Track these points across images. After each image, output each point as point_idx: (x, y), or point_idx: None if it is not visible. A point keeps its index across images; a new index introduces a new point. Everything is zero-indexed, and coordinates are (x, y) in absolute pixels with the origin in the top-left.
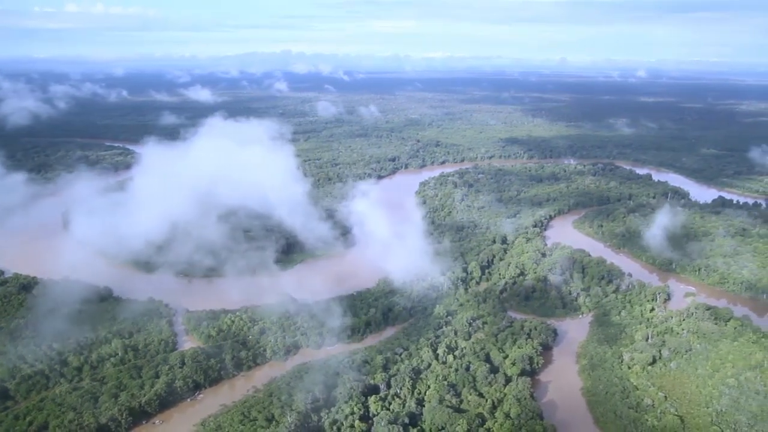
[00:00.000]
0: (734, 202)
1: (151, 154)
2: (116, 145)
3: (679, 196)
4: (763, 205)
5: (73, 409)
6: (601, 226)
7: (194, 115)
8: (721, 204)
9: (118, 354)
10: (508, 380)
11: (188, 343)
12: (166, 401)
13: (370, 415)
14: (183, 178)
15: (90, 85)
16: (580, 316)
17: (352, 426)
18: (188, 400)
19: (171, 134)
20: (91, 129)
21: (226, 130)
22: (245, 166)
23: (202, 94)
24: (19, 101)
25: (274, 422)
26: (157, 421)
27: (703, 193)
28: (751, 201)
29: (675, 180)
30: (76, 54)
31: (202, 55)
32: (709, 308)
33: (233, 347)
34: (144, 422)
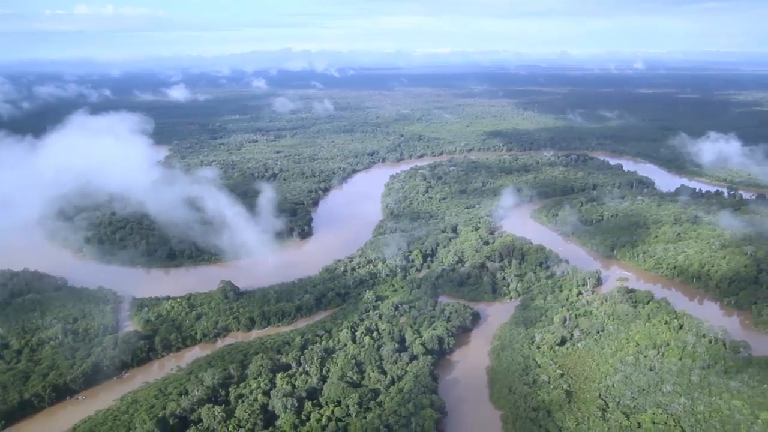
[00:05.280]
0: (697, 190)
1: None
2: None
3: (643, 185)
4: (725, 193)
5: (3, 387)
6: (556, 215)
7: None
8: (682, 192)
9: (58, 338)
10: (413, 359)
11: (129, 328)
12: (93, 379)
13: (276, 389)
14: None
15: (75, 86)
16: (509, 300)
17: (255, 399)
18: (114, 378)
19: None
20: None
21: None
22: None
23: (183, 94)
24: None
25: (184, 395)
26: (80, 397)
27: (670, 182)
28: (713, 189)
29: (647, 170)
30: (87, 56)
31: (208, 54)
32: (629, 291)
33: (166, 330)
34: (68, 398)
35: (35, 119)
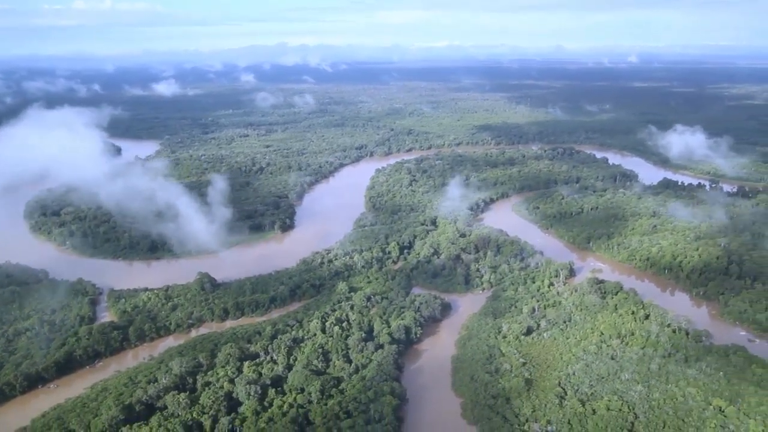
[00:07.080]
0: (679, 183)
1: None
2: None
3: (626, 178)
4: (707, 186)
5: None
6: (537, 208)
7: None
8: (664, 186)
9: (35, 328)
10: (378, 348)
11: (106, 319)
12: (65, 368)
13: (240, 377)
14: None
15: (64, 81)
16: (481, 291)
17: (221, 387)
18: (87, 367)
19: None
20: None
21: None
22: None
23: (172, 88)
24: None
25: (153, 383)
26: (52, 386)
27: (654, 175)
28: (695, 182)
29: (632, 163)
30: (84, 51)
31: (205, 49)
32: (599, 282)
33: (141, 321)
34: (40, 386)
35: (16, 114)
